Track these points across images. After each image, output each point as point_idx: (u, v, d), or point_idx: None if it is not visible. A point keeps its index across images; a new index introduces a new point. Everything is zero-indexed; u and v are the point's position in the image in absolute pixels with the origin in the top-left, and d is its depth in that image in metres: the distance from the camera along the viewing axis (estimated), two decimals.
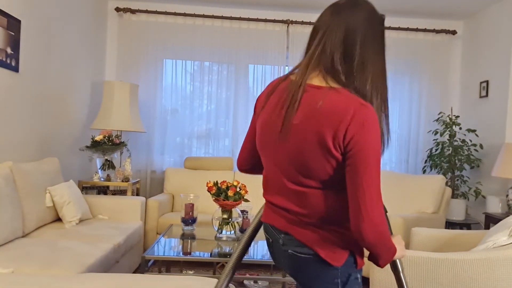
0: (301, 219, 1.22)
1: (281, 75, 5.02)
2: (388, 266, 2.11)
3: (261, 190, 4.73)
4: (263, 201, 4.39)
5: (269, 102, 1.26)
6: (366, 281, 3.69)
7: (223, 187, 3.09)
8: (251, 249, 2.93)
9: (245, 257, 2.74)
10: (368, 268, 3.44)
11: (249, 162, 1.44)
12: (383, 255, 1.17)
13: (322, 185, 1.18)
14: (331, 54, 1.15)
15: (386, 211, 1.36)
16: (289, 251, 1.26)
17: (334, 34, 1.16)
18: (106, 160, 4.17)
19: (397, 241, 1.27)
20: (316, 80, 1.18)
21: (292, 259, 1.26)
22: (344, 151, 1.11)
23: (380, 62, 1.19)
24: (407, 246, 3.45)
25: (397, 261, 1.38)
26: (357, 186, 1.10)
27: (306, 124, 1.14)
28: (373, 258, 1.20)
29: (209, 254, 2.76)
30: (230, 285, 3.26)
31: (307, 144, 1.14)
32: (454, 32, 5.01)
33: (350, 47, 1.15)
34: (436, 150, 4.70)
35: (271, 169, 1.27)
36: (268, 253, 2.80)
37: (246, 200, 3.14)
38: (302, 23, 4.92)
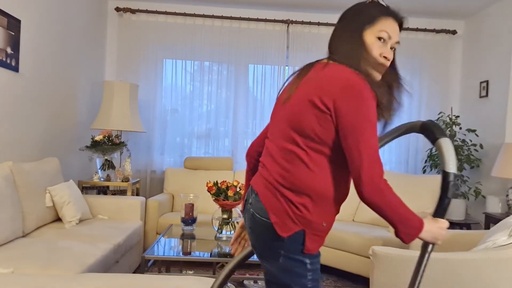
0: (271, 178, 1.32)
1: (281, 74, 5.04)
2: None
3: None
4: None
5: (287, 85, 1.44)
6: (366, 281, 3.70)
7: (223, 187, 3.09)
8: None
9: None
10: (368, 268, 3.44)
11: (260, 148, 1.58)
12: (398, 225, 1.22)
13: (310, 143, 1.27)
14: (331, 44, 1.39)
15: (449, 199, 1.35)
16: (251, 210, 1.36)
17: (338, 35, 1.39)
18: (106, 160, 4.17)
19: (432, 221, 1.30)
20: (324, 60, 1.38)
21: (252, 220, 1.36)
22: (333, 114, 1.23)
23: (355, 45, 1.33)
24: (407, 246, 3.44)
25: (428, 247, 1.37)
26: (354, 150, 1.21)
27: (306, 87, 1.29)
28: (395, 233, 1.25)
29: (209, 254, 2.76)
30: (230, 285, 3.26)
31: (303, 104, 1.28)
32: (454, 32, 5.01)
33: (336, 41, 1.38)
34: (436, 150, 4.69)
35: (272, 133, 1.40)
36: None
37: None
38: (302, 23, 4.91)
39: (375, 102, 1.25)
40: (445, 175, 1.35)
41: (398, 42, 1.38)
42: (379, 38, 1.32)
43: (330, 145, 1.27)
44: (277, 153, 1.34)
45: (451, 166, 1.34)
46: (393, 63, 1.42)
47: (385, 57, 1.34)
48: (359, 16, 1.34)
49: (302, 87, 1.30)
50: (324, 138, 1.26)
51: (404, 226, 1.22)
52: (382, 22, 1.33)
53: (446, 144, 1.38)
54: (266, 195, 1.32)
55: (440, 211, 1.34)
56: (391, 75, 1.40)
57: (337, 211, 1.36)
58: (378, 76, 1.34)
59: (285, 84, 1.45)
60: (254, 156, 1.58)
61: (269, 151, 1.38)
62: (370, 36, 1.32)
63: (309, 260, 1.31)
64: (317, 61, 1.39)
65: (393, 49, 1.38)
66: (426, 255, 1.36)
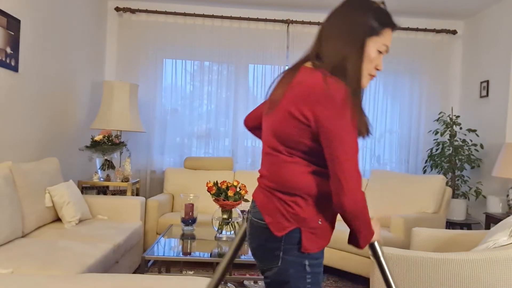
0: (265, 184, 1.35)
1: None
2: None
3: None
4: None
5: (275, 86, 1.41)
6: (366, 281, 3.69)
7: (223, 187, 3.09)
8: None
9: (245, 257, 2.73)
10: (368, 268, 3.44)
11: (253, 122, 1.64)
12: (363, 231, 1.27)
13: (293, 151, 1.28)
14: (318, 46, 1.32)
15: None
16: (249, 216, 1.40)
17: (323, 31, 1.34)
18: (106, 160, 4.16)
19: (373, 223, 1.37)
20: (309, 63, 1.32)
21: (251, 225, 1.38)
22: (313, 124, 1.22)
23: (355, 55, 1.26)
24: (408, 246, 3.44)
25: (376, 245, 1.43)
26: (334, 159, 1.20)
27: (289, 96, 1.27)
28: (353, 238, 1.31)
29: (209, 254, 2.75)
30: (230, 285, 3.25)
31: (284, 115, 1.27)
32: (454, 32, 5.01)
33: (325, 39, 1.30)
34: (437, 150, 4.69)
35: (263, 141, 1.41)
36: None
37: (246, 200, 3.13)
38: (302, 22, 4.91)
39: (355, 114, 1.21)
40: None
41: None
42: (379, 51, 1.28)
43: (312, 152, 1.27)
44: (266, 159, 1.37)
45: None
46: None
47: (377, 69, 1.30)
48: (365, 22, 1.25)
49: (286, 97, 1.28)
50: (304, 148, 1.27)
51: (365, 235, 1.29)
52: (385, 34, 1.27)
53: None
54: (261, 199, 1.35)
55: None
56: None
57: (336, 212, 1.35)
58: (366, 85, 1.31)
59: (272, 87, 1.42)
60: (249, 126, 1.67)
61: (262, 160, 1.42)
62: (372, 48, 1.26)
63: (308, 261, 1.29)
64: (301, 62, 1.33)
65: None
66: (381, 259, 1.44)
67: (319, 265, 1.32)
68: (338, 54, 1.24)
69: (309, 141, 1.25)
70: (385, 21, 1.27)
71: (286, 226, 1.28)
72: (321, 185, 1.28)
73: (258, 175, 4.61)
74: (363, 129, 1.26)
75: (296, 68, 1.32)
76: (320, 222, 1.30)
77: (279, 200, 1.30)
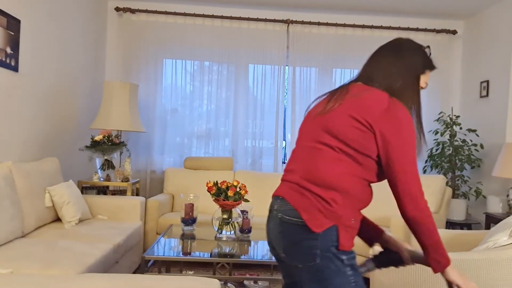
0: (301, 176, 1.36)
1: (281, 74, 5.04)
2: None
3: (260, 191, 4.71)
4: (263, 201, 4.39)
5: (319, 102, 1.52)
6: (366, 281, 3.69)
7: (223, 187, 3.09)
8: (251, 249, 2.93)
9: (245, 257, 2.73)
10: None
11: None
12: (429, 250, 1.32)
13: (345, 148, 1.33)
14: (372, 72, 1.47)
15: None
16: (278, 215, 1.37)
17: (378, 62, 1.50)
18: (106, 160, 4.16)
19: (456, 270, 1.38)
20: (359, 83, 1.46)
21: (281, 224, 1.36)
22: (378, 135, 1.31)
23: (399, 77, 1.45)
24: None
25: None
26: (401, 170, 1.31)
27: (349, 103, 1.37)
28: (426, 258, 1.36)
29: (209, 254, 2.75)
30: (230, 285, 3.25)
31: (343, 116, 1.35)
32: (454, 32, 5.01)
33: (378, 68, 1.47)
34: (437, 150, 4.69)
35: (301, 140, 1.46)
36: (269, 253, 2.80)
37: (246, 200, 3.13)
38: (302, 22, 4.91)
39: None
40: None
41: None
42: (421, 87, 1.49)
43: (361, 152, 1.33)
44: (304, 153, 1.39)
45: None
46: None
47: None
48: (419, 61, 1.45)
49: (343, 104, 1.37)
50: (357, 147, 1.32)
51: (435, 253, 1.33)
52: (427, 74, 1.49)
53: None
54: (293, 196, 1.35)
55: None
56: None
57: (361, 215, 1.40)
58: None
59: (315, 102, 1.52)
60: None
61: (294, 157, 1.44)
62: (420, 83, 1.49)
63: (345, 256, 1.32)
64: (352, 82, 1.46)
65: None
66: None
67: (354, 258, 1.35)
68: (395, 83, 1.41)
69: (363, 143, 1.32)
70: (429, 63, 1.49)
71: (324, 223, 1.30)
72: (358, 187, 1.33)
73: (258, 175, 4.61)
74: (419, 150, 1.42)
75: (347, 85, 1.46)
76: (353, 221, 1.34)
77: (314, 195, 1.32)
